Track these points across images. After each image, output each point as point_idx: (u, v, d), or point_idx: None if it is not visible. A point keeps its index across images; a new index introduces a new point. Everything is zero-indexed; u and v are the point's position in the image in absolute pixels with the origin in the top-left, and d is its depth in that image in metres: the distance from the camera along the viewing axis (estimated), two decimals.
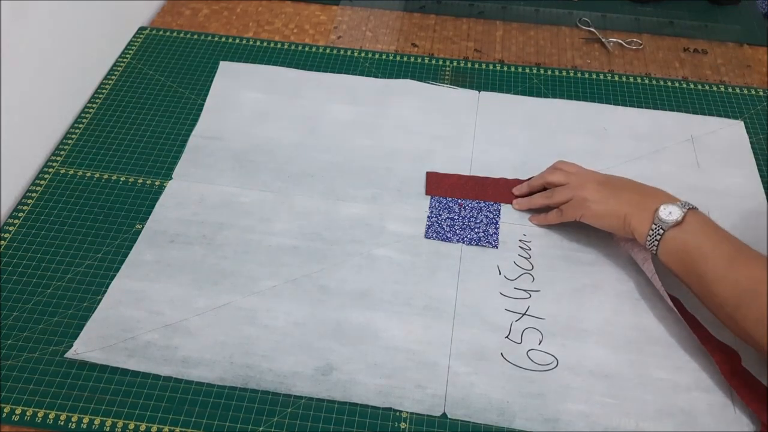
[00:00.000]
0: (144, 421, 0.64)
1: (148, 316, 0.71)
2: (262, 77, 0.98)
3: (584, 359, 0.69)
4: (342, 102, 0.95)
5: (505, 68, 1.02)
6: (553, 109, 0.95)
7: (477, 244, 0.79)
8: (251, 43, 1.04)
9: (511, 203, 0.83)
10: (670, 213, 0.69)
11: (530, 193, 0.82)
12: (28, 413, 0.64)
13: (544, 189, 0.82)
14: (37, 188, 0.83)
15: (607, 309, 0.74)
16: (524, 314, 0.73)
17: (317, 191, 0.84)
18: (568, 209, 0.77)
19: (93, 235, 0.78)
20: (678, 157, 0.89)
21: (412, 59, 1.03)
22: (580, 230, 0.78)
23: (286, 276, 0.75)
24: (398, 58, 1.03)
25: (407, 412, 0.65)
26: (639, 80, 1.01)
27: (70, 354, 0.68)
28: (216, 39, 1.05)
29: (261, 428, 0.64)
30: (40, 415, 0.64)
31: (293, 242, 0.78)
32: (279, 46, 1.04)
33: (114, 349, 0.68)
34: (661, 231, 0.69)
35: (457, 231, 0.80)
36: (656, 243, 0.70)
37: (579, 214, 0.76)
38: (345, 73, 1.00)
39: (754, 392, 0.66)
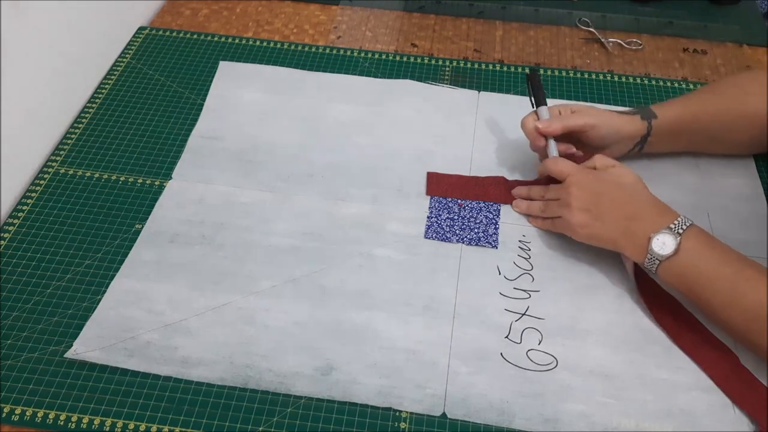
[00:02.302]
0: (144, 421, 0.64)
1: (148, 316, 0.71)
2: (262, 77, 0.98)
3: (584, 359, 0.69)
4: (342, 102, 0.95)
5: (505, 68, 1.02)
6: None
7: (477, 245, 0.79)
8: (251, 43, 1.04)
9: (510, 204, 0.83)
10: (663, 245, 0.68)
11: (529, 195, 0.82)
12: (28, 413, 0.64)
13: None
14: (37, 188, 0.83)
15: (607, 309, 0.74)
16: (524, 314, 0.73)
17: (317, 191, 0.84)
18: (558, 224, 0.77)
19: (93, 235, 0.78)
20: (678, 158, 0.89)
21: (412, 59, 1.03)
22: None
23: (286, 276, 0.75)
24: (398, 58, 1.03)
25: (407, 412, 0.66)
26: (638, 80, 1.01)
27: (70, 354, 0.68)
28: (216, 39, 1.05)
29: (261, 428, 0.64)
30: (40, 415, 0.64)
31: (293, 242, 0.78)
32: (279, 46, 1.04)
33: (114, 349, 0.68)
34: (657, 262, 0.69)
35: (457, 231, 0.80)
36: (654, 271, 0.69)
37: (567, 233, 0.76)
38: (345, 73, 1.00)
39: (754, 396, 0.66)
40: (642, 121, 0.82)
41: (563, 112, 0.81)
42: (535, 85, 0.83)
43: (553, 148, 0.80)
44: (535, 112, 0.82)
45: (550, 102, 0.83)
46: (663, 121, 0.82)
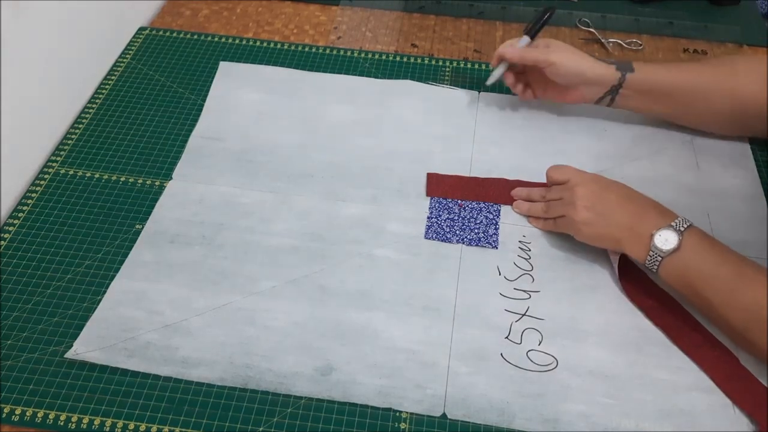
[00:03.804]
0: (144, 421, 0.64)
1: (148, 317, 0.71)
2: (262, 77, 0.98)
3: (584, 360, 0.69)
4: (342, 102, 0.95)
5: None
6: (552, 110, 0.95)
7: (477, 245, 0.79)
8: (251, 43, 1.04)
9: (510, 204, 0.83)
10: (666, 241, 0.69)
11: (529, 197, 0.82)
12: (28, 413, 0.64)
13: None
14: (37, 188, 0.83)
15: (606, 309, 0.74)
16: (524, 315, 0.73)
17: (317, 191, 0.84)
18: (560, 224, 0.77)
19: (93, 235, 0.78)
20: (678, 158, 0.89)
21: (412, 60, 1.03)
22: None
23: (286, 276, 0.75)
24: (398, 58, 1.03)
25: (407, 413, 0.66)
26: None
27: (70, 354, 0.68)
28: (216, 39, 1.05)
29: (261, 428, 0.64)
30: (40, 415, 0.64)
31: (293, 242, 0.78)
32: (279, 46, 1.04)
33: (114, 349, 0.68)
34: (659, 258, 0.69)
35: (457, 231, 0.80)
36: (655, 268, 0.70)
37: (571, 232, 0.76)
38: (345, 73, 1.00)
39: (753, 396, 0.67)
40: (616, 71, 0.84)
41: (539, 46, 0.86)
42: (538, 19, 0.89)
43: (497, 72, 0.89)
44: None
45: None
46: (639, 76, 0.84)
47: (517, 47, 0.87)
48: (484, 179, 0.85)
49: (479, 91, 0.98)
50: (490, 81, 0.90)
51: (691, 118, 0.89)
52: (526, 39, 0.88)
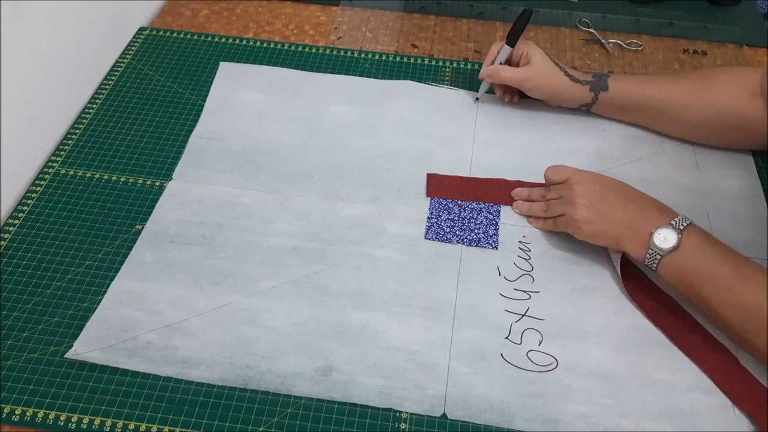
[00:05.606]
0: (144, 421, 0.64)
1: (148, 317, 0.71)
2: (262, 78, 0.98)
3: (584, 360, 0.69)
4: (342, 103, 0.95)
5: None
6: (552, 110, 0.95)
7: (477, 245, 0.79)
8: (251, 43, 1.04)
9: (510, 205, 0.83)
10: (665, 239, 0.69)
11: (530, 197, 0.83)
12: (28, 413, 0.64)
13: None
14: (37, 188, 0.83)
15: (606, 310, 0.74)
16: (524, 315, 0.73)
17: (317, 192, 0.84)
18: (560, 222, 0.77)
19: (93, 235, 0.78)
20: (677, 159, 0.89)
21: (412, 60, 1.03)
22: None
23: (286, 276, 0.75)
24: (398, 58, 1.03)
25: (407, 413, 0.66)
26: None
27: (70, 354, 0.68)
28: (216, 39, 1.05)
29: (261, 428, 0.64)
30: (40, 415, 0.64)
31: (293, 243, 0.78)
32: (279, 46, 1.04)
33: (114, 350, 0.68)
34: (658, 257, 0.69)
35: (457, 232, 0.80)
36: (654, 266, 0.70)
37: (570, 230, 0.76)
38: (345, 73, 1.00)
39: (753, 397, 0.67)
40: (590, 92, 0.90)
41: (523, 58, 0.90)
42: (518, 23, 0.90)
43: (483, 87, 0.95)
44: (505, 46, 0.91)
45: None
46: (612, 94, 0.89)
47: (497, 66, 0.90)
48: (484, 180, 0.85)
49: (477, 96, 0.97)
50: (479, 94, 0.96)
51: (666, 128, 0.91)
52: (507, 49, 0.90)
